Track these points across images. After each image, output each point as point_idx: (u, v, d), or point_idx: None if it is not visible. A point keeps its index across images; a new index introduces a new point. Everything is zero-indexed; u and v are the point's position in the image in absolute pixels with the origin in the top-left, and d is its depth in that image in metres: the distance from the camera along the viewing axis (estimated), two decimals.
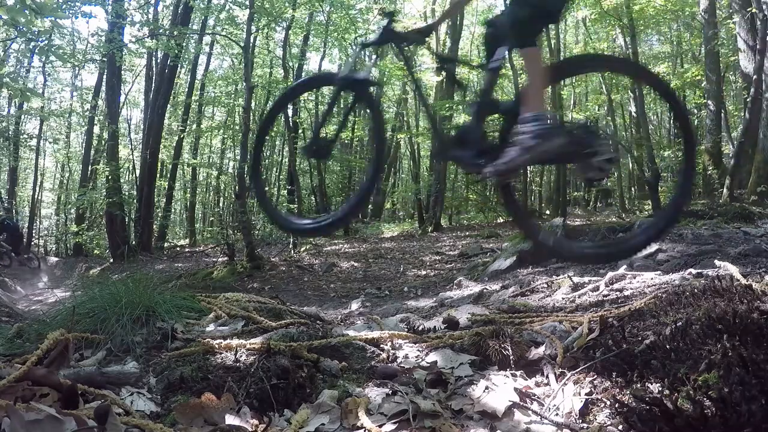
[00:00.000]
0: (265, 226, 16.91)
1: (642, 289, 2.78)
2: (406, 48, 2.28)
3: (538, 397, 1.54)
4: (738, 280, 2.06)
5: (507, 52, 2.08)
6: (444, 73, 2.18)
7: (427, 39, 2.26)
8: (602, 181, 2.22)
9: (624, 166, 19.03)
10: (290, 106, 16.75)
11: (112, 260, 13.28)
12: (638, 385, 1.36)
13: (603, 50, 15.96)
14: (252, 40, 12.42)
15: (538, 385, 1.64)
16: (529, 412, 1.45)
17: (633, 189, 19.71)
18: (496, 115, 2.10)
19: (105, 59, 13.55)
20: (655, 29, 18.06)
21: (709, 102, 12.23)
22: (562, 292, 3.28)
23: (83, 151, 18.68)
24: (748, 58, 10.53)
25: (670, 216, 2.22)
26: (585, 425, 1.34)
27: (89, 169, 17.28)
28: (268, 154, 24.08)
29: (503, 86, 21.44)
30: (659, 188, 12.01)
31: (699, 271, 2.99)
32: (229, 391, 1.58)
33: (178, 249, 16.45)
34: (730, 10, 11.89)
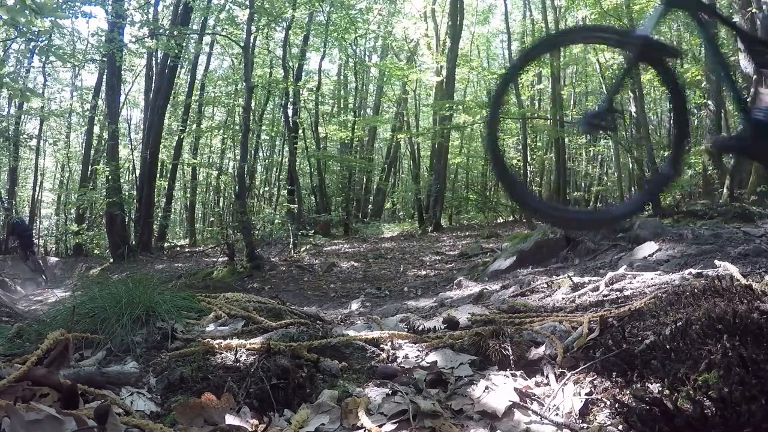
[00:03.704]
0: (265, 226, 16.91)
1: (642, 289, 2.78)
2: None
3: (538, 397, 1.54)
4: (738, 280, 2.06)
5: None
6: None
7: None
8: None
9: (624, 166, 19.02)
10: (290, 107, 16.74)
11: (112, 260, 13.26)
12: (638, 385, 1.36)
13: (602, 50, 15.95)
14: (252, 40, 12.41)
15: (538, 385, 1.63)
16: (529, 412, 1.45)
17: (633, 189, 19.70)
18: None
19: (105, 59, 13.53)
20: (656, 29, 18.03)
21: (709, 102, 12.23)
22: (562, 292, 3.28)
23: (83, 151, 18.64)
24: (748, 58, 10.52)
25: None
26: (585, 425, 1.34)
27: (89, 169, 17.25)
28: (268, 153, 24.09)
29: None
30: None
31: (699, 271, 2.99)
32: (229, 391, 1.58)
33: (178, 249, 16.44)
34: (730, 10, 11.88)
